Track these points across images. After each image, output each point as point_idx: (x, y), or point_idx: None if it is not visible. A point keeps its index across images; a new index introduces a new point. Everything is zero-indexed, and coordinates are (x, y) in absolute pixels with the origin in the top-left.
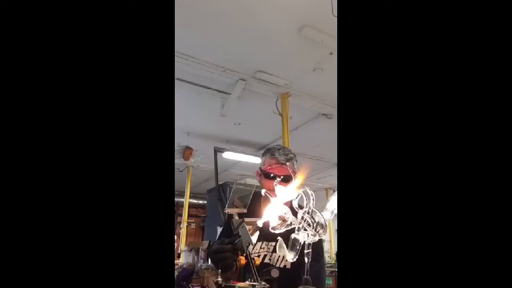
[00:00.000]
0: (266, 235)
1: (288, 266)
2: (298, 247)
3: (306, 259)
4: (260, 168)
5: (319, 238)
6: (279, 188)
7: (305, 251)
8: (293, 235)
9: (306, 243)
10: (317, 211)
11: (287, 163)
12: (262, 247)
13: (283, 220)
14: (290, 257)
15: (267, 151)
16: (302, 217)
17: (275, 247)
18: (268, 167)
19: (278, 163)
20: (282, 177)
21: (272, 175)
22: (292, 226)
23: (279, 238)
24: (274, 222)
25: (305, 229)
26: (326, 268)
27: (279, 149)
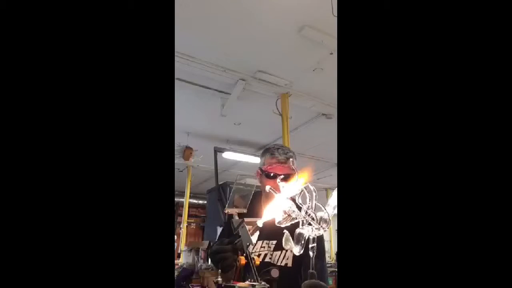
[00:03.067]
0: (267, 234)
1: (289, 265)
2: (303, 241)
3: (311, 253)
4: (260, 168)
5: (322, 233)
6: (282, 184)
7: (310, 246)
8: (298, 230)
9: (311, 237)
10: (320, 205)
11: (287, 161)
12: (262, 246)
13: (288, 214)
14: (296, 250)
15: (266, 151)
16: (306, 212)
17: (275, 246)
18: (269, 167)
19: (278, 162)
20: (283, 175)
21: (273, 174)
22: (297, 220)
23: (285, 231)
24: (279, 216)
25: (309, 224)
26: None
27: (278, 148)
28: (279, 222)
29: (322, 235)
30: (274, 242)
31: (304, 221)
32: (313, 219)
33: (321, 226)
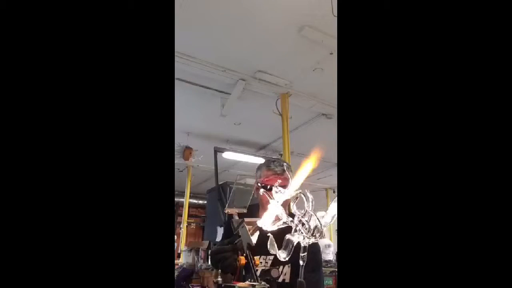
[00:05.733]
0: (264, 249)
1: (287, 280)
2: (291, 247)
3: (301, 262)
4: (258, 183)
5: (314, 241)
6: (276, 190)
7: (301, 254)
8: (287, 236)
9: (302, 245)
10: (315, 214)
11: (284, 173)
12: (260, 261)
13: (277, 218)
14: (282, 256)
15: (262, 165)
16: (300, 220)
17: (273, 261)
18: (266, 179)
19: (275, 173)
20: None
21: (269, 186)
22: (286, 225)
23: (269, 235)
24: (268, 220)
25: (301, 232)
26: (326, 268)
27: (273, 161)
28: (266, 226)
29: (319, 247)
30: (272, 257)
31: (297, 229)
32: (305, 227)
33: (314, 235)
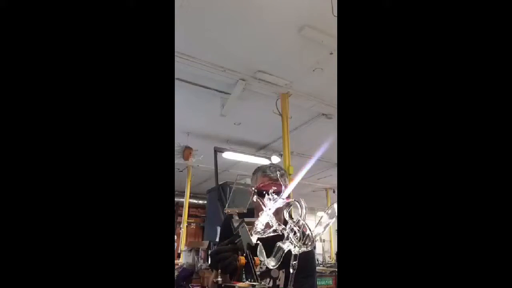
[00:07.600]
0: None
1: (281, 285)
2: (281, 254)
3: (291, 270)
4: (253, 188)
5: (305, 250)
6: (270, 197)
7: (292, 262)
8: (278, 243)
9: (292, 253)
10: (306, 224)
11: (280, 179)
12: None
13: (268, 226)
14: (272, 264)
15: (257, 170)
16: (292, 229)
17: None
18: (261, 185)
19: (271, 179)
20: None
21: (265, 192)
22: (276, 233)
23: (258, 242)
24: (259, 226)
25: (292, 240)
26: (326, 268)
27: (269, 167)
28: (256, 232)
29: (313, 253)
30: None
31: (291, 237)
32: (296, 236)
33: (305, 244)
